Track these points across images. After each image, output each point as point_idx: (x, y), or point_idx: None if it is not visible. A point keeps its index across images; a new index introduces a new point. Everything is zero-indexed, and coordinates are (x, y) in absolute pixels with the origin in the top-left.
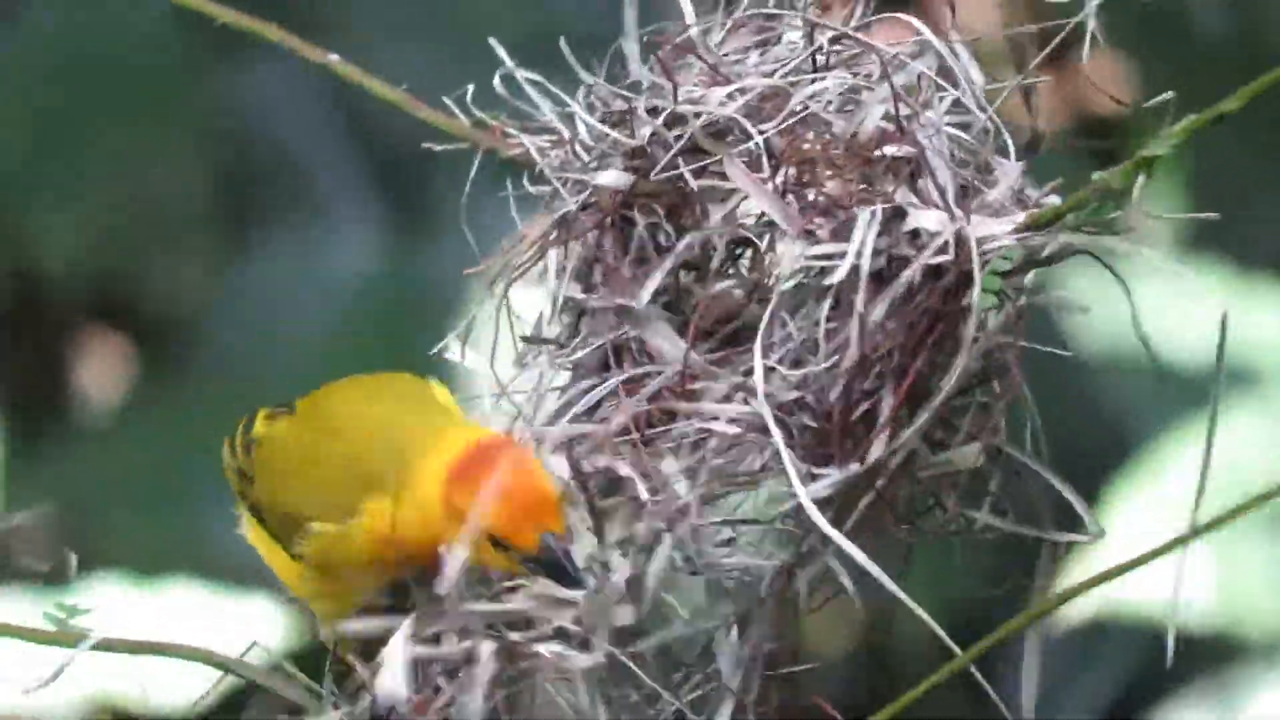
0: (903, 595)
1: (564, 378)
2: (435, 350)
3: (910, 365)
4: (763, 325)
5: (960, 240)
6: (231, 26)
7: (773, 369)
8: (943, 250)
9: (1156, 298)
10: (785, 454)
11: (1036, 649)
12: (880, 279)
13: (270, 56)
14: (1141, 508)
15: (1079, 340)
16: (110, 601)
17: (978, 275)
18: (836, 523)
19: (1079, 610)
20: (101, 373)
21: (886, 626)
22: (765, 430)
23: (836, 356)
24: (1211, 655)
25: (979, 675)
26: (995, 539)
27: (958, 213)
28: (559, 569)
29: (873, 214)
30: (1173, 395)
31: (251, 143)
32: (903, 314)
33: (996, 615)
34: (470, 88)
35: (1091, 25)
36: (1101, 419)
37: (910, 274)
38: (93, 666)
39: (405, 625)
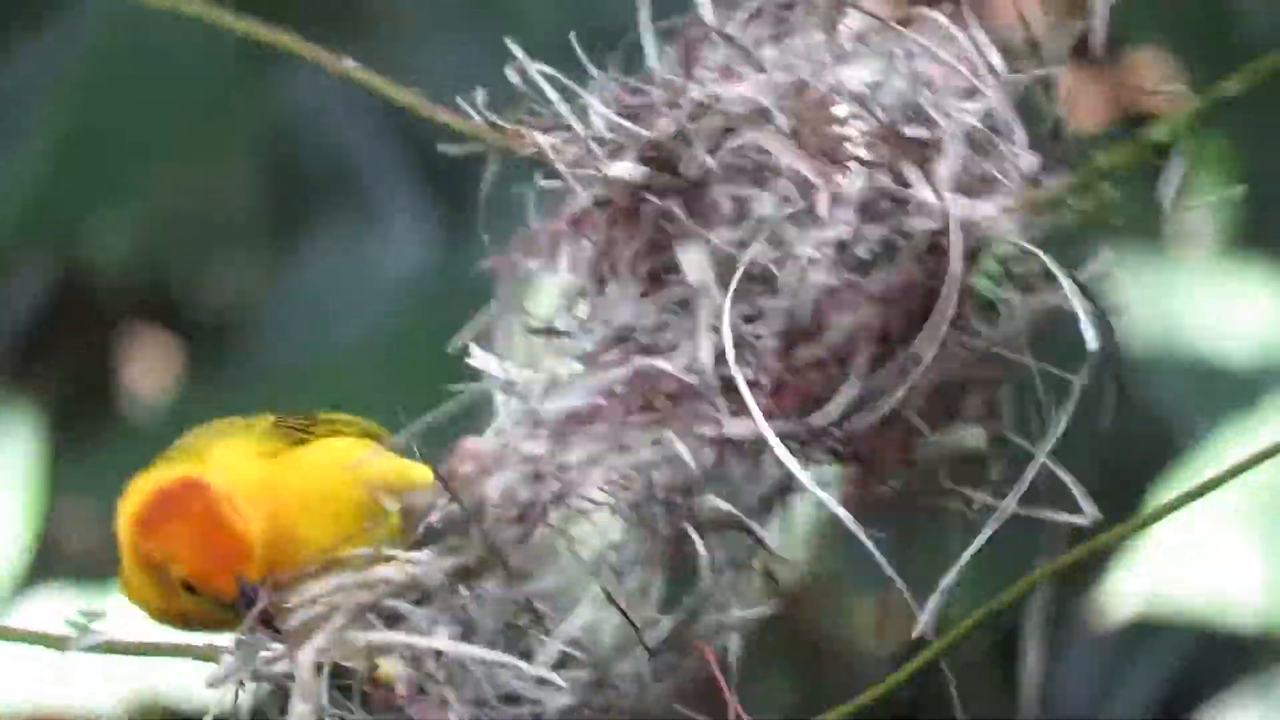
0: (880, 557)
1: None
2: (451, 348)
3: (887, 335)
4: (732, 286)
5: (958, 221)
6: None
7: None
8: (937, 231)
9: (1204, 294)
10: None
11: (1038, 636)
12: (875, 254)
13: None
14: (1188, 506)
15: (1125, 338)
16: None
17: (956, 252)
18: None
19: (1125, 609)
20: (149, 371)
21: (933, 624)
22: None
23: (807, 317)
24: (1258, 654)
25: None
26: (1015, 530)
27: (945, 192)
28: (262, 614)
29: (855, 180)
30: (1221, 393)
31: (301, 144)
32: (890, 287)
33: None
34: (480, 91)
35: (1102, 24)
36: (1149, 417)
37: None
38: (144, 667)
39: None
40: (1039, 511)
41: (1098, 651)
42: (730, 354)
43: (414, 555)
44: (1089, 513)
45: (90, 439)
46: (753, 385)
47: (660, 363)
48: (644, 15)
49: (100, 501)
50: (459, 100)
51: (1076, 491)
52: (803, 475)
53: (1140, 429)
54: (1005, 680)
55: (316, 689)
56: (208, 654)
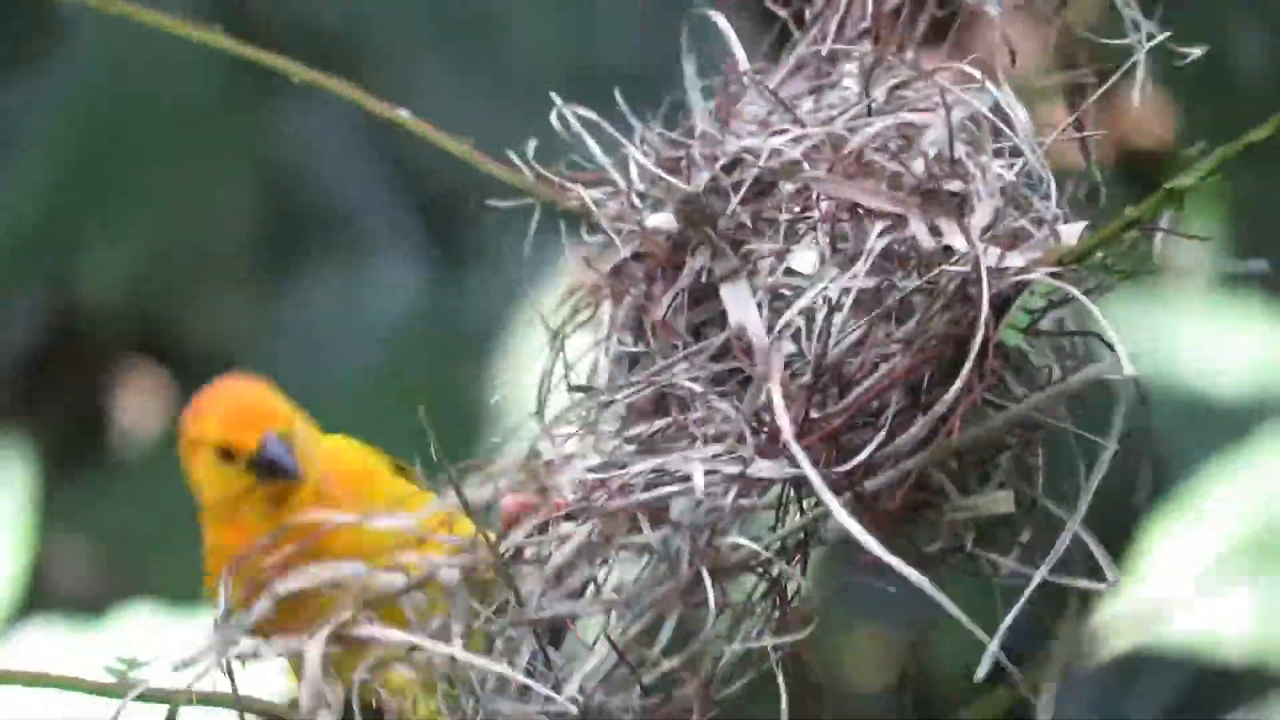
0: (943, 599)
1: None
2: (493, 401)
3: (915, 380)
4: (778, 330)
5: (981, 270)
6: (301, 82)
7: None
8: (963, 279)
9: (1196, 329)
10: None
11: (1052, 692)
12: (904, 303)
13: (315, 95)
14: (1179, 541)
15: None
16: (144, 631)
17: (985, 299)
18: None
19: (1118, 642)
20: (141, 406)
21: (922, 657)
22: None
23: (837, 365)
24: (1248, 687)
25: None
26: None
27: (977, 243)
28: (277, 464)
29: (886, 227)
30: (1212, 428)
31: (296, 180)
32: (921, 336)
33: (1028, 650)
34: (533, 143)
35: (1142, 68)
36: (1139, 452)
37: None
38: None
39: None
40: (1063, 579)
41: (1092, 684)
42: (779, 400)
43: (429, 556)
44: (1112, 578)
45: (83, 474)
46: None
47: (692, 391)
48: (689, 71)
49: (91, 537)
50: (509, 153)
51: (1100, 557)
52: (846, 518)
53: (1132, 460)
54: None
55: (322, 682)
56: (245, 704)
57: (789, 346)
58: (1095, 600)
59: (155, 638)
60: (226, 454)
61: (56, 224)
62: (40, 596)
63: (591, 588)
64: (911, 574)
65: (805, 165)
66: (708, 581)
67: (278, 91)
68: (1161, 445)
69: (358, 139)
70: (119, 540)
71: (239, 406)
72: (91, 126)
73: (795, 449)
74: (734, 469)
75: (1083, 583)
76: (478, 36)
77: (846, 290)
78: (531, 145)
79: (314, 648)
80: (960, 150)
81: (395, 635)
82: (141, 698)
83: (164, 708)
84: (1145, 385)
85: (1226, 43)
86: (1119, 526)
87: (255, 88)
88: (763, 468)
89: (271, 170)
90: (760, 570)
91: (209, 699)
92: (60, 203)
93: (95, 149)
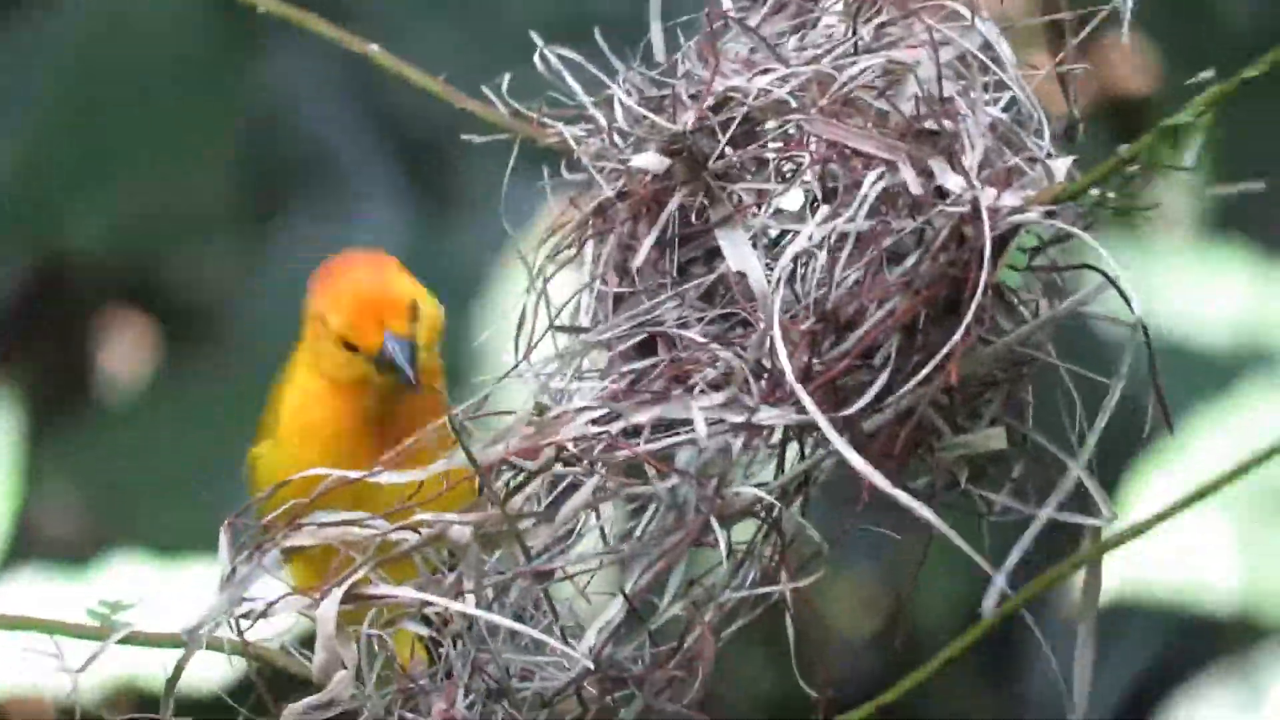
0: (941, 525)
1: (603, 362)
2: (478, 343)
3: (913, 323)
4: (777, 275)
5: (981, 210)
6: (271, 14)
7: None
8: (961, 219)
9: (1180, 278)
10: (797, 387)
11: (1090, 645)
12: (902, 245)
13: (298, 43)
14: (1162, 489)
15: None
16: (131, 579)
17: (987, 240)
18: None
19: (1101, 592)
20: (127, 355)
21: (908, 609)
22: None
23: (834, 306)
24: (1234, 637)
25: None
26: (1016, 525)
27: (975, 182)
28: (394, 367)
29: (880, 174)
30: (1195, 376)
31: (279, 127)
32: (916, 278)
33: (1016, 588)
34: (507, 77)
35: (1127, 9)
36: (1122, 400)
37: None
38: (118, 648)
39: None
40: (1059, 515)
41: (1072, 634)
42: (780, 343)
43: (443, 515)
44: (1107, 514)
45: (68, 423)
46: (782, 374)
47: (695, 341)
48: (655, 6)
49: (78, 485)
50: (484, 89)
51: (1096, 494)
52: (860, 462)
53: (1114, 412)
54: (979, 665)
55: (336, 640)
56: (256, 656)
57: (785, 291)
58: (1095, 537)
59: (143, 585)
60: (349, 346)
61: (42, 173)
62: (27, 545)
63: (599, 539)
64: (919, 507)
65: (793, 104)
66: (717, 529)
67: (260, 41)
68: (1142, 394)
69: (340, 87)
70: (105, 489)
71: (362, 301)
72: (75, 77)
73: (803, 395)
74: (739, 417)
75: (1080, 518)
76: None
77: (844, 234)
78: (505, 79)
79: (327, 607)
80: (950, 89)
81: (409, 593)
82: (146, 643)
83: (154, 651)
84: (1144, 320)
85: None
86: (1100, 476)
87: (238, 37)
88: (769, 414)
89: (255, 118)
90: (763, 515)
91: (216, 645)
92: (45, 152)
93: (80, 101)
